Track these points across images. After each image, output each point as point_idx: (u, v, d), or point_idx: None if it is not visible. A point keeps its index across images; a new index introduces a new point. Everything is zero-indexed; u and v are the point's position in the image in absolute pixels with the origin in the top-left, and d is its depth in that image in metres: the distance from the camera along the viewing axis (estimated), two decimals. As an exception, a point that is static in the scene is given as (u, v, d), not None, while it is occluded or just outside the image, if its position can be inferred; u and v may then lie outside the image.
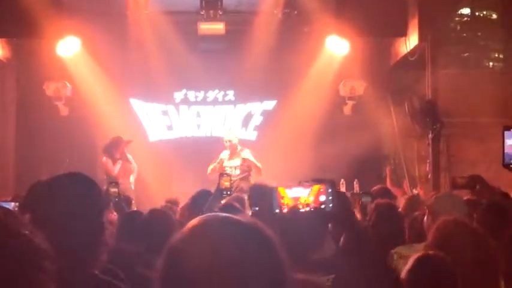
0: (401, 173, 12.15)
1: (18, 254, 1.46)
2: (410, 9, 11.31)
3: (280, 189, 2.99)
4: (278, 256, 1.48)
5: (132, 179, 10.88)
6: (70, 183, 2.48)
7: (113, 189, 6.54)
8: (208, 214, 1.57)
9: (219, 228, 1.49)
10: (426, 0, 10.94)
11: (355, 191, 10.93)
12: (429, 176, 11.26)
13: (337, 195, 3.03)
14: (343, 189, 10.88)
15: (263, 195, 5.18)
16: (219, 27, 11.90)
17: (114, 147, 10.72)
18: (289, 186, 3.00)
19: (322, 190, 2.98)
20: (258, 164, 10.80)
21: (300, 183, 3.05)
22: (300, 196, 2.98)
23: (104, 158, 10.70)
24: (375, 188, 8.03)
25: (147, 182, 11.47)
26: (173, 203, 8.28)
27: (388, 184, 10.43)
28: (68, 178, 2.54)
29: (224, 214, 1.56)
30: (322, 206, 2.96)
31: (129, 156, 10.91)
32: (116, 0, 11.89)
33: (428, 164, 11.37)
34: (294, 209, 2.95)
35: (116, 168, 10.60)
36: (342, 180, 11.22)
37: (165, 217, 4.55)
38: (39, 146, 12.32)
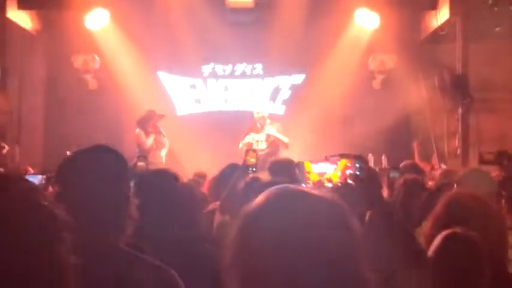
0: (430, 148, 12.03)
1: (38, 226, 1.46)
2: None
3: (306, 164, 2.95)
4: (353, 231, 1.46)
5: (163, 152, 10.92)
6: (96, 156, 2.49)
7: (140, 163, 6.54)
8: (282, 186, 1.53)
9: (295, 201, 1.47)
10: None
11: (383, 166, 10.88)
12: (458, 151, 11.15)
13: (365, 169, 2.98)
14: (371, 164, 10.84)
15: (282, 170, 5.15)
16: (247, 0, 11.81)
17: (147, 121, 10.76)
18: (315, 161, 2.96)
19: (349, 165, 2.94)
20: (284, 139, 10.74)
21: (326, 158, 3.00)
22: (326, 172, 2.93)
23: (137, 130, 10.74)
24: (403, 163, 7.98)
25: (177, 155, 11.49)
26: (201, 176, 8.30)
27: (416, 159, 10.35)
28: (94, 151, 2.54)
29: (300, 187, 1.54)
30: (349, 181, 2.92)
31: (162, 131, 10.93)
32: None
33: (457, 139, 11.26)
34: (319, 184, 2.92)
35: (148, 142, 10.65)
36: (370, 155, 11.16)
37: (190, 191, 4.54)
38: (67, 118, 12.39)
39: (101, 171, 2.39)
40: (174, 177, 3.51)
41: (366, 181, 2.94)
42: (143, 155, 7.66)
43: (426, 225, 3.08)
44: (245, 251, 1.44)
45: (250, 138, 10.89)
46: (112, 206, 2.34)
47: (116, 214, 2.35)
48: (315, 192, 1.51)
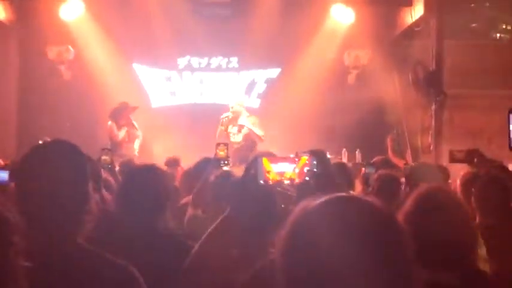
0: (404, 143, 12.12)
1: None
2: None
3: (265, 161, 2.94)
4: (406, 244, 1.48)
5: (136, 145, 10.85)
6: (53, 151, 2.45)
7: (104, 157, 6.50)
8: (336, 194, 1.55)
9: (350, 209, 1.49)
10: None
11: (357, 161, 10.94)
12: (431, 147, 11.24)
13: (322, 165, 2.99)
14: (344, 159, 10.89)
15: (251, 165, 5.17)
16: (223, -7, 11.80)
17: (120, 113, 10.69)
18: (275, 161, 2.95)
19: (307, 162, 2.95)
20: (258, 132, 10.72)
21: (284, 158, 3.01)
22: (285, 171, 2.94)
23: (109, 123, 10.67)
24: (376, 158, 8.03)
25: (150, 148, 11.45)
26: (173, 163, 8.29)
27: (390, 154, 10.41)
28: (51, 146, 2.52)
29: (352, 195, 1.57)
30: (307, 178, 2.94)
31: (135, 123, 10.87)
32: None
33: (430, 136, 11.35)
34: (279, 183, 2.93)
35: (120, 134, 10.58)
36: (344, 149, 11.23)
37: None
38: (41, 110, 12.28)
39: (57, 166, 2.35)
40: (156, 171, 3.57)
41: (321, 177, 2.96)
42: (109, 148, 7.58)
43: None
44: (293, 251, 1.46)
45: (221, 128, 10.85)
46: (69, 203, 2.31)
47: (73, 211, 2.33)
48: (363, 197, 1.54)
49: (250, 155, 10.08)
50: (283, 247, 1.47)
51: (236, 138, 10.68)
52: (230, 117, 10.79)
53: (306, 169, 2.93)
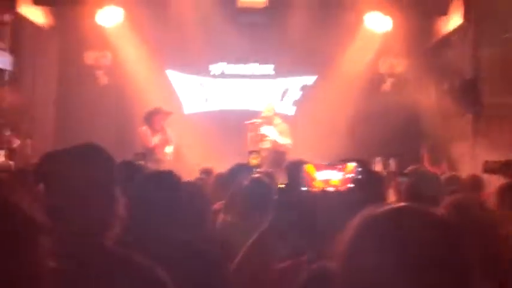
0: (440, 153, 12.00)
1: (12, 228, 1.45)
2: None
3: (310, 168, 2.93)
4: (466, 257, 1.49)
5: (168, 150, 10.84)
6: (82, 153, 2.49)
7: (138, 162, 6.54)
8: (404, 204, 1.57)
9: (413, 220, 1.50)
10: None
11: (391, 170, 10.86)
12: (467, 157, 11.11)
13: (366, 173, 2.99)
14: (379, 167, 10.82)
15: (291, 172, 5.17)
16: (259, 0, 11.83)
17: (154, 118, 10.71)
18: (319, 168, 2.93)
19: (352, 170, 2.94)
20: (282, 141, 10.67)
21: (330, 165, 2.99)
22: (331, 178, 2.92)
23: (143, 127, 10.70)
24: (410, 168, 7.97)
25: (183, 154, 11.50)
26: (207, 172, 8.32)
27: (426, 164, 10.32)
28: (81, 148, 2.54)
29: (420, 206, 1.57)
30: (351, 185, 2.93)
31: (168, 129, 10.89)
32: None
33: (467, 145, 11.22)
34: (324, 191, 2.92)
35: (154, 140, 10.58)
36: (378, 158, 11.15)
37: (195, 191, 4.56)
38: (78, 114, 12.46)
39: (86, 169, 2.39)
40: (176, 178, 3.53)
41: (366, 184, 2.95)
42: (142, 152, 7.63)
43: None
44: (354, 253, 1.48)
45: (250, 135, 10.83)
46: (96, 205, 2.34)
47: (100, 213, 2.35)
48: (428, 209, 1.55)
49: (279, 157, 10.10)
50: (345, 252, 1.48)
51: (264, 144, 10.63)
52: (259, 123, 10.77)
53: (349, 175, 2.92)
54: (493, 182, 6.23)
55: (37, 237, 1.47)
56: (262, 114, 10.88)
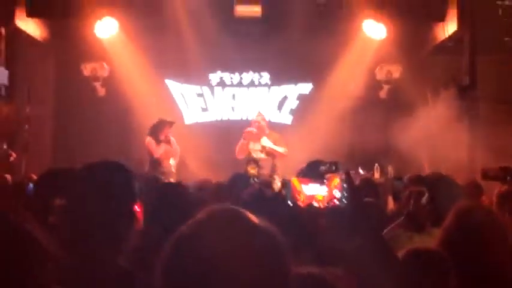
0: (439, 159, 12.00)
1: (23, 254, 1.46)
2: (449, -7, 11.14)
3: (295, 182, 2.93)
4: (282, 259, 1.49)
5: (172, 161, 10.81)
6: (104, 171, 2.48)
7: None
8: (218, 207, 1.56)
9: (224, 225, 1.49)
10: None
11: (389, 176, 10.86)
12: (464, 163, 11.11)
13: (351, 191, 2.97)
14: (377, 174, 10.83)
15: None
16: (255, 10, 11.85)
17: (159, 129, 10.69)
18: (305, 182, 2.93)
19: (337, 184, 2.93)
20: (280, 150, 10.65)
21: (315, 180, 2.98)
22: (316, 193, 2.92)
23: (148, 138, 10.67)
24: (410, 175, 7.96)
25: (186, 164, 11.46)
26: (206, 184, 8.28)
27: (427, 170, 10.33)
28: (102, 165, 2.54)
29: (233, 209, 1.56)
30: (336, 202, 2.92)
31: (172, 139, 10.86)
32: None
33: (463, 152, 11.22)
34: (310, 206, 2.91)
35: (159, 150, 10.55)
36: (376, 165, 11.15)
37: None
38: (76, 125, 12.47)
39: (106, 188, 2.39)
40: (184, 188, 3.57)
41: (350, 205, 2.93)
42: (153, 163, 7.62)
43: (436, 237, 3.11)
44: (173, 265, 1.47)
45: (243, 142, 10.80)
46: (112, 223, 2.34)
47: (115, 231, 2.36)
48: (248, 216, 1.53)
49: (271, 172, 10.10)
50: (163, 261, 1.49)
51: (259, 155, 10.61)
52: (254, 132, 10.75)
53: (334, 192, 2.92)
54: (491, 188, 6.24)
55: (46, 263, 1.47)
56: (257, 124, 10.82)
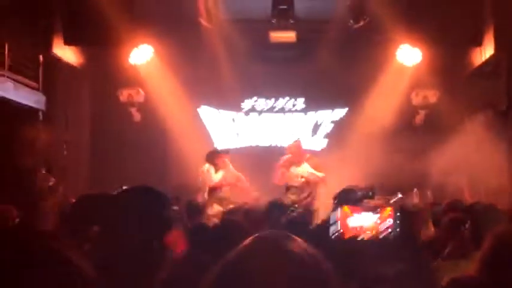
0: (478, 184, 11.82)
1: (62, 280, 1.45)
2: (486, 18, 11.02)
3: (346, 210, 2.86)
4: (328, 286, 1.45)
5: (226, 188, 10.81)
6: (138, 199, 2.47)
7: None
8: (266, 233, 1.54)
9: (271, 251, 1.46)
10: (502, 9, 10.63)
11: (428, 201, 10.71)
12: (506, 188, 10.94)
13: (402, 221, 2.91)
14: (416, 199, 10.68)
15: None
16: (290, 35, 11.88)
17: (217, 156, 10.74)
18: (358, 210, 2.86)
19: (390, 213, 2.87)
20: (319, 174, 10.62)
21: (366, 207, 2.93)
22: (362, 225, 2.84)
23: (206, 165, 10.66)
24: (449, 201, 7.85)
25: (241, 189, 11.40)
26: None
27: (467, 195, 10.19)
28: (137, 192, 2.52)
29: (281, 235, 1.52)
30: (389, 230, 2.86)
31: (231, 166, 10.85)
32: (188, 8, 11.97)
33: (504, 177, 11.05)
34: (353, 238, 2.85)
35: (217, 177, 10.59)
36: (415, 189, 11.01)
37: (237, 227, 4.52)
38: (113, 150, 12.57)
39: (143, 215, 2.37)
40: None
41: (401, 239, 2.88)
42: (176, 196, 7.64)
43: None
44: None
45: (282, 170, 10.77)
46: (145, 251, 2.32)
47: (149, 259, 2.33)
48: (293, 246, 1.48)
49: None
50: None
51: (300, 180, 10.57)
52: (291, 160, 10.72)
53: (384, 225, 2.85)
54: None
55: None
56: (290, 150, 10.79)
